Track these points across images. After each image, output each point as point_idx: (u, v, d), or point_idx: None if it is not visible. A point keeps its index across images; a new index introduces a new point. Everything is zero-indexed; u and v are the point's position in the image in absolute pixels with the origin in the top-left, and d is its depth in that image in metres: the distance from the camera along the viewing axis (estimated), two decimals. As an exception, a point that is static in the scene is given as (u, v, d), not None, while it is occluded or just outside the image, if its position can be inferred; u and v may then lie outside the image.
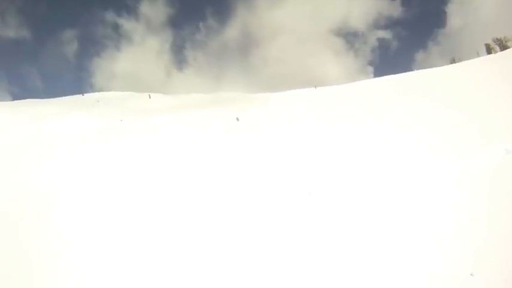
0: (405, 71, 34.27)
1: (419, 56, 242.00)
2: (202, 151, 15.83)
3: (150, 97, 52.08)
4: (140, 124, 25.94)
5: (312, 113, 20.53)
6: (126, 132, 23.12)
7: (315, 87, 47.82)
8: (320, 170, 10.83)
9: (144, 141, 19.92)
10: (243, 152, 14.72)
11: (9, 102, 55.92)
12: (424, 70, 31.43)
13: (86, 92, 69.87)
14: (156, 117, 28.14)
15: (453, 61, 41.06)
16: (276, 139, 16.12)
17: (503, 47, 41.38)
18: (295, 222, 7.36)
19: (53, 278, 6.83)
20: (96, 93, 65.33)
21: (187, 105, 35.23)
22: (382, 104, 18.68)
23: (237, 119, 22.01)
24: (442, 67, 31.61)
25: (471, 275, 4.23)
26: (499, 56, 29.60)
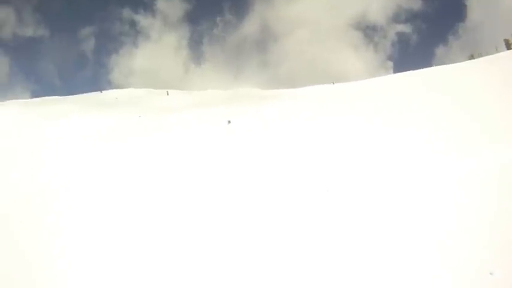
0: (425, 66, 33.94)
1: (439, 50, 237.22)
2: (221, 148, 16.18)
3: (168, 94, 52.74)
4: (158, 122, 26.47)
5: (329, 109, 20.75)
6: (143, 130, 23.62)
7: (333, 83, 47.78)
8: (336, 167, 11.09)
9: (162, 139, 20.39)
10: (261, 148, 15.03)
11: (26, 100, 57.07)
12: (441, 66, 31.22)
13: (104, 89, 71.12)
14: (174, 115, 28.64)
15: (471, 57, 40.47)
16: (293, 136, 16.39)
17: (523, 42, 40.52)
18: (313, 218, 7.63)
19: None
20: (115, 90, 66.38)
21: (205, 102, 35.62)
22: (397, 101, 18.84)
23: (229, 122, 22.07)
24: (459, 63, 31.33)
25: (490, 273, 4.34)
26: (517, 52, 29.21)
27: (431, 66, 33.30)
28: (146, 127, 24.91)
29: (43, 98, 56.81)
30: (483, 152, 8.92)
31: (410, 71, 33.62)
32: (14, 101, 52.93)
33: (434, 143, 11.52)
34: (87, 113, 33.72)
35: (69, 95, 63.14)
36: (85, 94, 63.34)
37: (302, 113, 21.44)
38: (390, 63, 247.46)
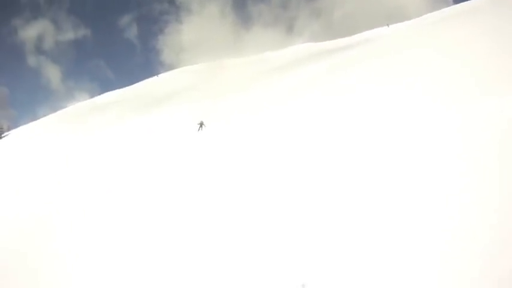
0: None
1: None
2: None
3: (223, 64, 52.59)
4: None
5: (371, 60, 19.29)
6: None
7: (388, 25, 46.29)
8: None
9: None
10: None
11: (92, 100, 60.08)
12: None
13: (159, 72, 72.99)
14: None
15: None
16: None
17: None
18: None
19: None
20: (169, 73, 68.21)
21: (267, 69, 34.57)
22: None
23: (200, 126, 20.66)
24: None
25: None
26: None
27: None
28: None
29: (102, 97, 59.27)
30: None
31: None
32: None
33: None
34: (147, 112, 32.60)
35: (125, 86, 64.91)
36: (142, 82, 65.59)
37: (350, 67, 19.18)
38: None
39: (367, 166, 6.94)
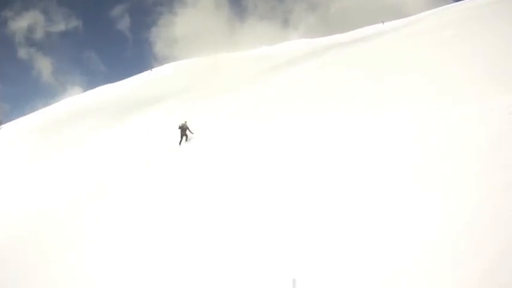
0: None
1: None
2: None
3: (218, 59, 51.95)
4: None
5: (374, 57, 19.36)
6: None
7: (383, 22, 46.23)
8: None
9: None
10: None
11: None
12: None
13: (153, 66, 72.24)
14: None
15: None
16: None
17: None
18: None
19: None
20: (164, 67, 67.42)
21: (261, 67, 34.13)
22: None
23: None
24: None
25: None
26: None
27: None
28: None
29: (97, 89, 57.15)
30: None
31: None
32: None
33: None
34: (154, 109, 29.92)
35: (116, 80, 62.95)
36: (135, 77, 64.62)
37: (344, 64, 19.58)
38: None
39: (361, 165, 7.03)
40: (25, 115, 55.53)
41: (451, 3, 42.75)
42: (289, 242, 5.47)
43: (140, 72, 67.64)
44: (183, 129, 16.68)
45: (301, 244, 5.30)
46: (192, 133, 16.69)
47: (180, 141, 16.59)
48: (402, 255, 4.26)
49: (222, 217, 7.36)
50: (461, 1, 31.79)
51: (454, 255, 3.91)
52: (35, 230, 12.00)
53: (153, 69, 68.54)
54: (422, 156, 6.33)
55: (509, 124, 6.05)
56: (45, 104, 58.01)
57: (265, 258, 5.33)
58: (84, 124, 32.77)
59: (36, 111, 56.11)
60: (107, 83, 65.08)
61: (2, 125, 51.44)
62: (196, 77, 41.23)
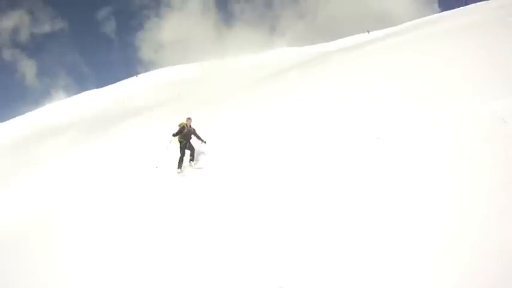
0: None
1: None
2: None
3: (202, 66, 52.18)
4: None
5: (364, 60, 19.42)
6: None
7: (368, 32, 46.98)
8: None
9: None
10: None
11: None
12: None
13: (139, 72, 71.58)
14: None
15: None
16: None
17: None
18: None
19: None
20: (151, 72, 66.40)
21: (245, 76, 32.73)
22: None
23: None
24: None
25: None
26: None
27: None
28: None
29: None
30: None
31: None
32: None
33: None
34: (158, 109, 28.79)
35: (102, 83, 61.71)
36: (123, 81, 63.58)
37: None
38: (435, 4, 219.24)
39: (357, 167, 7.02)
40: (3, 122, 54.17)
41: (437, 12, 43.80)
42: (288, 242, 5.46)
43: (125, 77, 66.85)
44: (187, 134, 10.90)
45: (301, 244, 5.29)
46: (203, 141, 11.42)
47: (181, 158, 10.70)
48: (402, 255, 4.30)
49: (217, 219, 7.35)
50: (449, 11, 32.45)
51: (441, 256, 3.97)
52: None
53: (138, 76, 67.68)
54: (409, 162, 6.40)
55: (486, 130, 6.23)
56: (28, 109, 56.51)
57: (264, 260, 5.31)
58: (64, 137, 31.33)
59: (15, 118, 54.71)
60: (91, 87, 64.11)
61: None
62: (183, 86, 40.66)
